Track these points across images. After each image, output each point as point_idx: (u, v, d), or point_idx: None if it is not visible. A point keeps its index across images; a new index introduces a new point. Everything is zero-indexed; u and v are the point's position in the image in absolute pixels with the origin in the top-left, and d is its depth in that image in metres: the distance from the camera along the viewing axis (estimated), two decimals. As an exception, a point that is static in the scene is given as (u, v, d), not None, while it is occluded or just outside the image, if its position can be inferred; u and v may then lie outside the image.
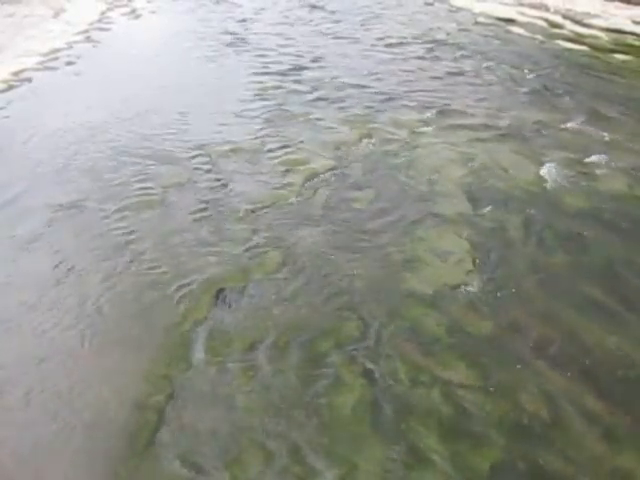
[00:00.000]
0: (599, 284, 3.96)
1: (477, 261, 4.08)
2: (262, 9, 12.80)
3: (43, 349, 3.38)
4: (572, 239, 4.45)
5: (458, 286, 3.84)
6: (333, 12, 12.63)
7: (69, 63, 8.67)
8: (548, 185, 5.13)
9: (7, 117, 6.66)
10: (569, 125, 6.40)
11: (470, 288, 3.83)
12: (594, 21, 11.71)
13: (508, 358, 3.36)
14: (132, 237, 4.32)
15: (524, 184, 5.12)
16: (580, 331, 3.57)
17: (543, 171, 5.34)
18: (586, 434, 2.95)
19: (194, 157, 5.53)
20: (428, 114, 6.59)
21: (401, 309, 3.65)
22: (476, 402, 3.09)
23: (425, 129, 6.20)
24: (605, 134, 6.19)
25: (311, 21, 11.69)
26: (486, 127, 6.27)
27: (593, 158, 5.63)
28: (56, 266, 4.03)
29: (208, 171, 5.27)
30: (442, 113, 6.63)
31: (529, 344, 3.46)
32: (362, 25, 11.41)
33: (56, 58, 8.86)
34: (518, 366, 3.31)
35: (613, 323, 3.64)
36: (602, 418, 3.04)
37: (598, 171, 5.42)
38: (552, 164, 5.45)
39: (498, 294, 3.81)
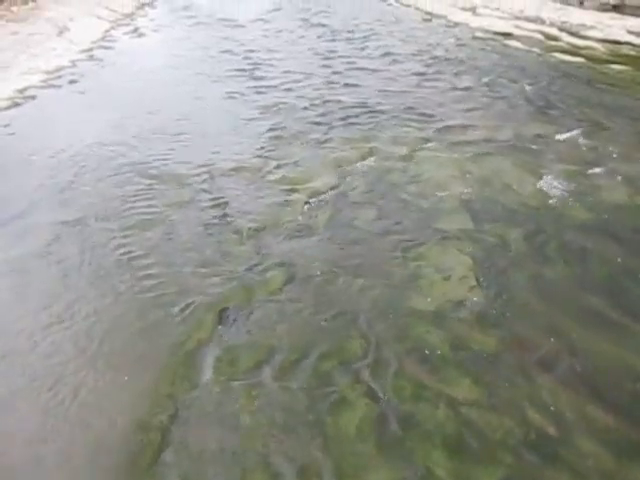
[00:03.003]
0: (604, 296, 3.95)
1: (480, 277, 4.08)
2: (262, 28, 12.95)
3: (44, 367, 3.37)
4: (575, 252, 4.45)
5: (461, 302, 3.84)
6: (332, 30, 12.76)
7: (72, 81, 8.77)
8: (549, 198, 5.15)
9: (11, 134, 6.72)
10: (568, 137, 6.44)
11: (473, 304, 3.83)
12: (590, 32, 11.83)
13: (513, 374, 3.35)
14: (135, 256, 4.34)
15: (526, 198, 5.14)
16: (586, 344, 3.56)
17: (544, 184, 5.37)
18: (594, 449, 2.93)
19: (197, 176, 5.57)
20: (428, 130, 6.63)
21: (405, 327, 3.65)
22: (482, 419, 3.07)
23: (426, 145, 6.23)
24: (605, 145, 6.22)
25: (310, 39, 11.81)
26: (486, 141, 6.31)
27: (594, 169, 5.66)
28: (58, 284, 4.04)
29: (211, 190, 5.30)
30: (442, 129, 6.67)
31: (534, 359, 3.45)
32: (361, 42, 11.52)
33: (60, 76, 8.97)
34: (523, 381, 3.29)
35: (619, 335, 3.62)
36: (611, 433, 3.01)
37: (599, 182, 5.44)
38: (553, 177, 5.48)
39: (502, 309, 3.81)
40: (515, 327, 3.68)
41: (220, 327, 3.66)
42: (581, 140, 6.34)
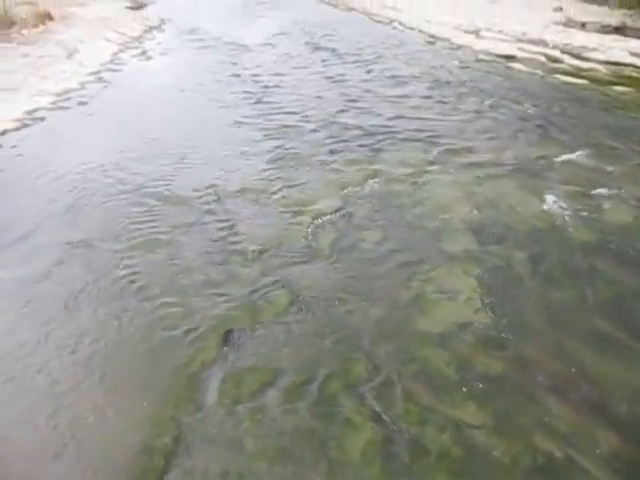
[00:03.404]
0: (610, 318, 3.94)
1: (486, 299, 4.08)
2: (268, 51, 13.10)
3: (48, 390, 3.37)
4: (581, 273, 4.45)
5: (467, 324, 3.83)
6: (337, 53, 12.91)
7: (81, 103, 8.88)
8: (554, 219, 5.16)
9: (20, 155, 6.79)
10: (572, 158, 6.47)
11: (479, 326, 3.82)
12: (592, 54, 11.92)
13: (519, 397, 3.32)
14: (140, 277, 4.35)
15: (530, 219, 5.15)
16: (592, 366, 3.54)
17: (549, 206, 5.38)
18: (603, 473, 2.90)
19: (202, 197, 5.60)
20: (433, 152, 6.67)
21: (410, 349, 3.64)
22: (488, 443, 3.04)
23: (430, 167, 6.26)
24: (608, 166, 6.25)
25: (315, 62, 11.94)
26: (491, 163, 6.33)
27: (598, 190, 5.68)
28: (64, 305, 4.05)
29: (216, 211, 5.33)
30: (446, 151, 6.71)
31: (540, 381, 3.43)
32: (366, 65, 11.63)
33: (68, 98, 9.08)
34: (530, 404, 3.27)
35: (626, 357, 3.61)
36: (619, 456, 2.99)
37: (603, 203, 5.45)
38: (558, 198, 5.49)
39: (508, 331, 3.79)
40: (521, 349, 3.66)
41: (225, 349, 3.65)
42: (585, 161, 6.36)
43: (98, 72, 10.92)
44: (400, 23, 17.11)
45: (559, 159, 6.45)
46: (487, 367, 3.51)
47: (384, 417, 3.16)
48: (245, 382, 3.39)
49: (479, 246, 4.75)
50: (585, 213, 5.25)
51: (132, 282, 4.29)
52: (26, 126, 7.71)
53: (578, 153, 6.56)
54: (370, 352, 3.62)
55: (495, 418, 3.18)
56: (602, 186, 5.76)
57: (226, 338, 3.74)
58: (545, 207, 5.36)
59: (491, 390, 3.36)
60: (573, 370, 3.50)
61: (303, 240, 4.85)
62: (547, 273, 4.41)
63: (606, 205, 5.43)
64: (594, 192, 5.65)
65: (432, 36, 14.94)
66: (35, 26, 14.02)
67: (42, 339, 3.74)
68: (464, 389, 3.35)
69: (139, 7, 22.16)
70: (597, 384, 3.41)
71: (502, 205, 5.41)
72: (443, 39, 14.41)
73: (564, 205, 5.36)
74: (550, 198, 5.49)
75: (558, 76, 10.49)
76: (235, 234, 4.95)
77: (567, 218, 5.16)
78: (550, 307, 4.05)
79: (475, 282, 4.27)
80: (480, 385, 3.38)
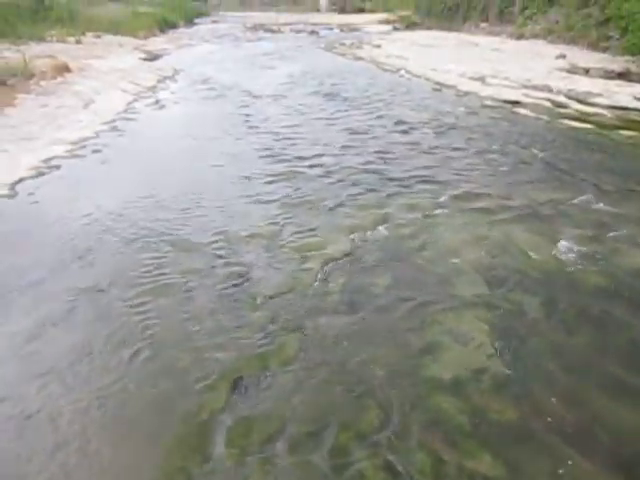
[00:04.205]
0: (625, 364, 3.86)
1: (498, 344, 4.02)
2: (278, 99, 13.44)
3: (53, 436, 3.32)
4: (594, 318, 4.39)
5: (480, 371, 3.77)
6: (345, 101, 13.22)
7: (96, 151, 9.10)
8: (566, 264, 5.13)
9: (35, 202, 6.91)
10: (581, 202, 6.48)
11: (492, 373, 3.75)
12: (597, 99, 12.11)
13: (535, 446, 3.23)
14: (150, 323, 4.35)
15: (541, 263, 5.12)
16: (608, 414, 3.45)
17: (560, 249, 5.36)
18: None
19: (212, 243, 5.65)
20: (441, 197, 6.72)
21: (422, 397, 3.57)
22: (505, 496, 2.95)
23: (439, 212, 6.30)
24: (619, 209, 6.25)
25: (323, 109, 12.22)
26: (500, 208, 6.36)
27: (609, 234, 5.66)
28: (73, 352, 4.04)
29: (226, 257, 5.36)
30: (455, 195, 6.75)
31: (556, 430, 3.34)
32: (374, 112, 11.89)
33: (84, 146, 9.32)
34: (546, 454, 3.17)
35: (643, 405, 3.52)
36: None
37: (616, 247, 5.42)
38: (568, 242, 5.47)
39: (521, 378, 3.72)
40: (536, 397, 3.58)
41: (234, 397, 3.60)
42: (595, 205, 6.37)
43: (113, 121, 11.23)
44: (407, 71, 17.58)
45: (569, 203, 6.47)
46: (501, 415, 3.44)
47: (397, 468, 3.08)
48: (254, 431, 3.33)
49: (490, 290, 4.72)
50: (597, 257, 5.23)
51: (142, 329, 4.28)
52: (42, 174, 7.89)
53: (588, 197, 6.58)
54: (382, 400, 3.56)
55: (510, 469, 3.09)
56: (614, 230, 5.75)
57: (235, 385, 3.69)
58: (556, 251, 5.34)
59: (506, 439, 3.27)
60: (589, 418, 3.41)
61: (313, 285, 4.85)
62: (560, 318, 4.36)
63: (618, 248, 5.40)
64: (606, 236, 5.63)
65: (438, 83, 15.30)
66: (53, 78, 14.54)
67: (48, 386, 3.71)
68: (478, 438, 3.27)
69: (153, 59, 22.99)
70: (613, 432, 3.31)
71: (512, 249, 5.40)
72: (449, 86, 14.74)
73: (576, 249, 5.34)
74: (561, 242, 5.48)
75: (564, 121, 10.64)
76: (245, 280, 4.97)
77: (579, 262, 5.13)
78: (564, 353, 3.99)
79: (487, 327, 4.22)
80: (494, 434, 3.30)
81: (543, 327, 4.26)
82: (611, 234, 5.65)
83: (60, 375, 3.82)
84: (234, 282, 4.93)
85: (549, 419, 3.41)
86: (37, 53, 17.46)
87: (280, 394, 3.62)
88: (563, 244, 5.43)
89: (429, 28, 34.70)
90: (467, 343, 4.06)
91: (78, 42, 24.26)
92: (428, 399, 3.56)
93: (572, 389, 3.65)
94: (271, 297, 4.68)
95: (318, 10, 72.94)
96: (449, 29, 31.34)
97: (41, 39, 22.38)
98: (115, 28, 30.56)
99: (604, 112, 11.13)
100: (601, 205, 6.35)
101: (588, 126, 10.17)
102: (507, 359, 3.88)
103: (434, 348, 4.02)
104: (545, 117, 11.00)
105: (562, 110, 11.55)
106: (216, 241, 5.69)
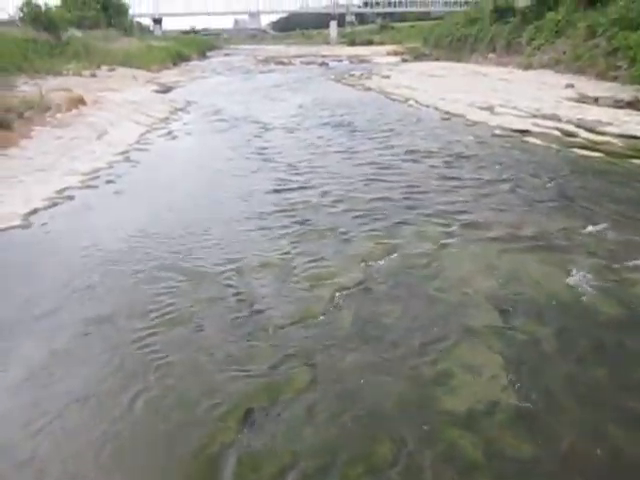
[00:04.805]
0: (643, 396, 3.78)
1: (512, 376, 3.94)
2: (289, 130, 13.62)
3: (62, 470, 3.28)
4: (609, 349, 4.31)
5: (493, 404, 3.69)
6: (356, 130, 13.36)
7: (109, 182, 9.24)
8: (579, 294, 5.06)
9: (48, 232, 7.00)
10: (593, 231, 6.43)
11: (506, 406, 3.67)
12: (607, 128, 12.12)
13: (553, 482, 3.15)
14: (161, 354, 4.33)
15: (555, 293, 5.06)
16: (626, 448, 3.35)
17: (573, 279, 5.29)
18: None
19: (223, 272, 5.66)
20: (452, 226, 6.70)
21: (435, 430, 3.50)
22: (522, 534, 2.87)
23: (449, 241, 6.27)
24: (632, 238, 6.18)
25: (334, 139, 12.36)
26: (511, 236, 6.32)
27: (623, 263, 5.58)
28: (84, 383, 4.03)
29: (237, 286, 5.36)
30: (466, 224, 6.73)
31: (573, 466, 3.25)
32: (383, 141, 11.99)
33: (97, 177, 9.47)
34: (564, 491, 3.10)
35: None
36: None
37: (630, 276, 5.35)
38: (582, 271, 5.41)
39: (536, 412, 3.64)
40: (551, 431, 3.50)
41: (244, 429, 3.56)
42: (608, 234, 6.31)
43: (126, 152, 11.43)
44: (416, 101, 17.77)
45: (581, 232, 6.42)
46: (516, 449, 3.35)
47: (410, 505, 3.01)
48: (264, 465, 3.27)
49: (503, 321, 4.66)
50: (611, 286, 5.16)
51: (153, 360, 4.26)
52: (56, 204, 8.00)
53: (600, 226, 6.52)
54: (394, 433, 3.49)
55: (528, 506, 3.01)
56: (627, 259, 5.68)
57: (246, 418, 3.65)
58: (569, 281, 5.27)
59: (522, 475, 3.19)
60: (608, 453, 3.32)
61: (324, 315, 4.83)
62: (575, 350, 4.28)
63: (633, 278, 5.32)
64: (619, 265, 5.56)
65: (447, 113, 15.43)
66: (69, 110, 14.87)
67: (60, 416, 3.69)
68: (493, 474, 3.19)
69: (166, 91, 23.52)
70: (633, 468, 3.22)
71: (525, 279, 5.35)
72: (458, 115, 14.86)
73: (589, 279, 5.27)
74: (574, 271, 5.41)
75: (574, 149, 10.64)
76: (256, 309, 4.95)
77: (593, 292, 5.06)
78: (580, 385, 3.91)
79: (500, 359, 4.16)
80: (509, 469, 3.22)
81: (557, 358, 4.19)
82: (624, 264, 5.58)
83: (70, 407, 3.80)
84: (245, 312, 4.92)
85: (566, 453, 3.32)
86: (53, 87, 17.91)
87: (291, 427, 3.57)
88: (576, 273, 5.36)
89: (437, 59, 35.23)
90: (480, 375, 3.99)
91: (93, 75, 24.89)
92: (441, 432, 3.49)
93: (589, 423, 3.57)
94: (282, 327, 4.65)
95: (328, 42, 74.54)
96: (457, 60, 31.79)
97: (58, 73, 22.99)
98: (129, 61, 31.39)
99: (614, 141, 11.12)
100: (613, 234, 6.29)
101: (598, 155, 10.16)
102: (521, 391, 3.81)
103: (447, 380, 3.96)
104: (555, 146, 11.02)
105: (572, 139, 11.55)
106: (227, 271, 5.70)
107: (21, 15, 31.14)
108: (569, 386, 3.89)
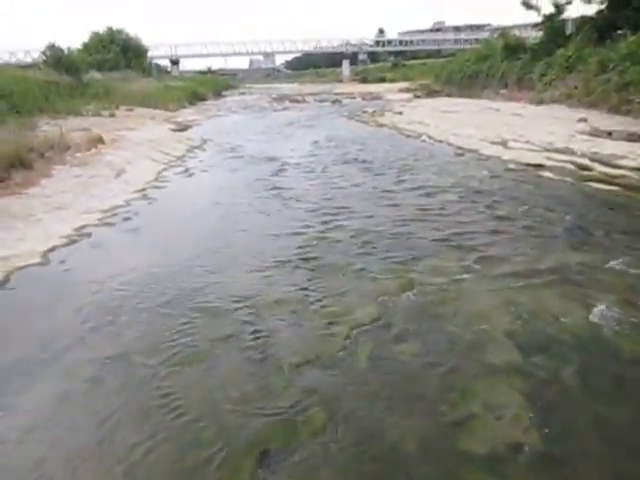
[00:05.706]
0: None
1: (534, 416, 3.84)
2: (303, 167, 13.77)
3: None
4: (633, 388, 4.20)
5: (516, 445, 3.58)
6: (370, 166, 13.46)
7: (126, 219, 9.37)
8: (601, 330, 4.95)
9: (66, 270, 7.07)
10: (612, 265, 6.33)
11: (529, 447, 3.56)
12: (622, 162, 12.07)
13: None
14: (176, 393, 4.30)
15: (575, 330, 4.96)
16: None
17: (594, 315, 5.19)
18: None
19: (239, 309, 5.65)
20: (468, 261, 6.65)
21: (455, 472, 3.40)
22: None
23: (466, 276, 6.21)
24: (653, 273, 6.08)
25: (348, 175, 12.45)
26: (528, 272, 6.24)
27: (643, 298, 5.48)
28: (98, 422, 4.00)
29: (253, 323, 5.34)
30: (482, 259, 6.67)
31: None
32: (397, 176, 12.05)
33: (115, 214, 9.61)
34: (592, 539, 2.97)
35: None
36: None
37: (650, 312, 5.24)
38: (602, 307, 5.30)
39: (560, 453, 3.53)
40: (576, 473, 3.38)
41: (260, 471, 3.48)
42: (627, 269, 6.21)
43: (143, 189, 11.61)
44: (429, 137, 17.91)
45: (600, 266, 6.32)
46: (541, 494, 3.24)
47: None
48: (281, 509, 3.20)
49: (523, 358, 4.57)
50: (634, 322, 5.04)
51: (166, 399, 4.23)
52: (73, 242, 8.11)
53: (619, 260, 6.42)
54: (412, 474, 3.40)
55: None
56: (648, 294, 5.57)
57: (262, 458, 3.58)
58: (590, 316, 5.17)
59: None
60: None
61: (340, 353, 4.77)
62: (598, 388, 4.17)
63: (654, 313, 5.21)
64: (640, 300, 5.46)
65: (460, 148, 15.51)
66: (88, 149, 15.24)
67: (75, 456, 3.66)
68: (518, 520, 3.07)
69: (183, 129, 24.03)
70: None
71: (544, 314, 5.26)
72: (471, 150, 14.92)
73: (610, 314, 5.17)
74: (595, 307, 5.31)
75: (589, 183, 10.59)
76: (272, 347, 4.92)
77: (615, 328, 4.95)
78: (604, 425, 3.79)
79: (521, 397, 4.05)
80: (535, 515, 3.11)
81: (580, 397, 4.07)
82: (646, 299, 5.47)
83: (85, 446, 3.78)
84: (260, 349, 4.88)
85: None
86: (73, 126, 18.40)
87: (308, 468, 3.49)
88: (596, 309, 5.26)
89: (449, 95, 35.66)
90: (501, 414, 3.89)
91: (112, 115, 25.58)
92: (461, 474, 3.40)
93: (616, 466, 3.45)
94: (298, 365, 4.60)
95: (341, 80, 76.00)
96: (469, 96, 32.15)
97: (78, 113, 23.67)
98: (147, 101, 32.26)
99: (630, 174, 11.05)
100: (635, 269, 6.18)
101: (614, 188, 10.09)
102: (544, 432, 3.70)
103: (467, 420, 3.86)
104: (570, 179, 10.97)
105: (586, 172, 11.50)
106: (242, 307, 5.69)
107: (44, 59, 32.33)
108: (593, 427, 3.77)
